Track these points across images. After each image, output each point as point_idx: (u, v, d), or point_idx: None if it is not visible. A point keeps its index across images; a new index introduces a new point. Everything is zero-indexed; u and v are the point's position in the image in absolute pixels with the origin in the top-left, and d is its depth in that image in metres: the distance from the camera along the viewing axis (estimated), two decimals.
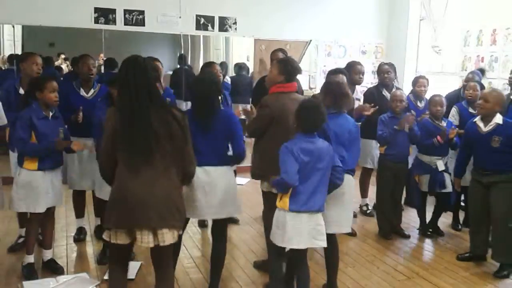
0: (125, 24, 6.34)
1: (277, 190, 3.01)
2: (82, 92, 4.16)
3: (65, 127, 3.73)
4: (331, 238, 3.27)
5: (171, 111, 2.58)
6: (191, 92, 3.27)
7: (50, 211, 3.72)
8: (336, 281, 3.46)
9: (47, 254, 3.82)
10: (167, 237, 2.52)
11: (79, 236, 4.44)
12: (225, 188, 3.21)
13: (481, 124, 3.91)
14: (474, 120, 4.00)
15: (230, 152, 3.32)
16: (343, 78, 4.21)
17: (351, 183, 3.38)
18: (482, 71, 5.44)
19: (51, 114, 3.59)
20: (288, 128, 3.15)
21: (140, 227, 2.47)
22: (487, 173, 3.89)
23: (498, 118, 3.84)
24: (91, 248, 4.29)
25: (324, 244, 3.02)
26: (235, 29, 6.92)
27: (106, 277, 3.66)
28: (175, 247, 2.84)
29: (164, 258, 2.68)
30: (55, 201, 3.68)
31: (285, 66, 3.49)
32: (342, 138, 3.24)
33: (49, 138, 3.51)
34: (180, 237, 2.89)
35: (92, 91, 4.20)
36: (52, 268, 3.77)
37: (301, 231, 2.91)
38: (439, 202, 4.72)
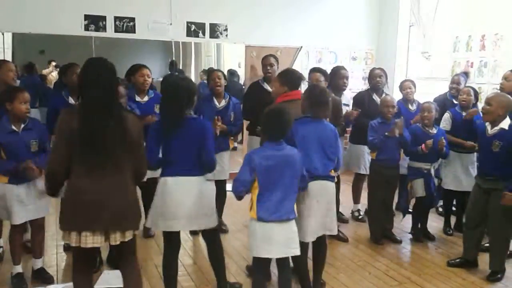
0: (116, 31, 6.33)
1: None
2: (71, 100, 4.14)
3: (47, 137, 3.65)
4: (320, 238, 3.33)
5: (126, 116, 2.67)
6: (165, 96, 3.21)
7: (37, 222, 3.69)
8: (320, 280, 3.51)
9: (37, 263, 3.79)
10: (120, 236, 2.61)
11: (69, 245, 4.38)
12: (196, 199, 3.13)
13: (488, 127, 3.88)
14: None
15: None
16: (320, 77, 4.29)
17: (330, 189, 3.33)
18: (466, 74, 5.49)
19: (22, 126, 3.50)
20: None
21: (93, 228, 2.54)
22: (489, 179, 3.86)
23: (505, 123, 3.76)
24: None
25: (297, 252, 3.01)
26: (226, 35, 6.93)
27: (96, 286, 3.62)
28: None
29: (126, 249, 2.76)
30: (38, 212, 3.63)
31: (285, 76, 3.55)
32: (311, 144, 3.21)
33: (19, 152, 3.43)
34: None
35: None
36: (42, 277, 3.74)
37: (272, 241, 2.90)
38: (423, 205, 4.70)
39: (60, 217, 2.66)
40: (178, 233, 3.27)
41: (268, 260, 3.10)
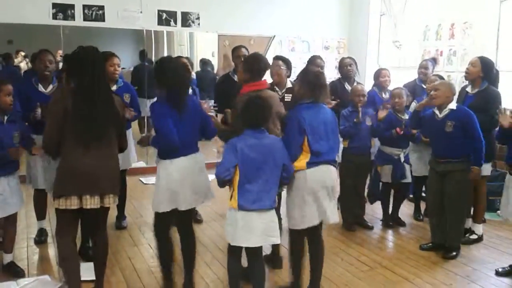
0: (85, 19, 6.22)
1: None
2: (41, 88, 4.09)
3: (25, 129, 3.64)
4: (316, 233, 3.25)
5: (114, 97, 3.10)
6: (164, 81, 3.14)
7: (12, 217, 3.63)
8: (319, 282, 3.37)
9: (7, 258, 3.73)
10: (112, 200, 3.05)
11: (40, 238, 4.33)
12: (200, 174, 3.26)
13: (437, 112, 4.03)
14: (432, 109, 4.11)
15: None
16: (282, 65, 4.17)
17: (333, 175, 3.24)
18: (434, 60, 5.59)
19: (6, 118, 3.48)
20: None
21: (92, 192, 2.94)
22: (442, 161, 4.02)
23: (452, 104, 3.98)
24: (53, 250, 4.18)
25: (277, 240, 3.01)
26: (198, 24, 6.88)
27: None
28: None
29: (103, 219, 3.20)
30: (13, 207, 3.59)
31: (248, 64, 3.42)
32: (318, 130, 3.11)
33: (3, 143, 3.40)
34: None
35: (51, 86, 4.12)
36: (13, 271, 3.68)
37: (253, 229, 2.89)
38: (398, 193, 4.84)
39: (58, 185, 2.96)
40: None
41: (241, 249, 3.07)
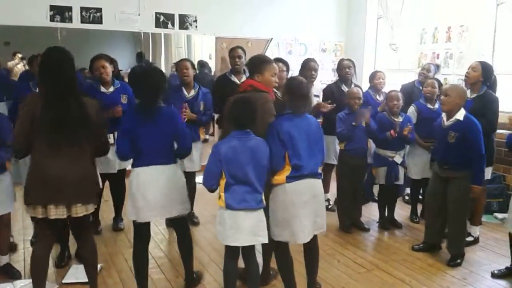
0: (82, 22, 6.22)
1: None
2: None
3: (7, 131, 3.46)
4: (311, 240, 3.19)
5: (84, 100, 2.94)
6: (136, 91, 3.21)
7: (2, 219, 3.61)
8: (316, 281, 3.38)
9: (3, 259, 3.72)
10: (81, 210, 2.90)
11: (37, 239, 4.32)
12: (170, 186, 3.18)
13: (444, 118, 3.99)
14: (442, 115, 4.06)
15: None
16: (282, 67, 4.15)
17: (317, 188, 3.13)
18: (437, 66, 5.62)
19: None
20: None
21: (56, 202, 2.83)
22: (446, 168, 3.99)
23: (460, 114, 3.86)
24: None
25: (265, 240, 3.00)
26: (196, 27, 6.89)
27: (64, 280, 3.60)
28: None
29: (83, 225, 3.09)
30: (3, 208, 3.55)
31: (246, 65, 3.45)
32: (299, 142, 3.01)
33: None
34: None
35: None
36: (9, 273, 3.67)
37: (240, 229, 2.90)
38: (389, 194, 4.83)
39: (25, 192, 2.88)
40: (148, 224, 3.27)
41: (238, 248, 3.08)
